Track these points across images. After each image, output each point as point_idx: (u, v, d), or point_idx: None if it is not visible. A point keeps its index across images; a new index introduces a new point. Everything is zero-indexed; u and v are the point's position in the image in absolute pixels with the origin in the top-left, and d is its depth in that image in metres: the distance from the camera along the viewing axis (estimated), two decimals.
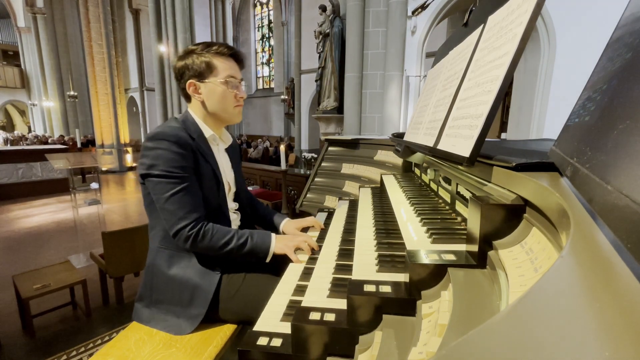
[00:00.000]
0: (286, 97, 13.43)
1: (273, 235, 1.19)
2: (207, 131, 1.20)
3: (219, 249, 1.10)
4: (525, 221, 0.53)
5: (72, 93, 12.73)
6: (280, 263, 1.17)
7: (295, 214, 4.78)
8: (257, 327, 0.76)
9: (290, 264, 1.09)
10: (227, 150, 1.33)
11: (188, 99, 1.20)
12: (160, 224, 1.14)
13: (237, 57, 1.20)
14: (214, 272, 1.13)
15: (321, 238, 1.24)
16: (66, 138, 12.52)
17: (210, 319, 1.13)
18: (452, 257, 0.58)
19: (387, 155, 2.03)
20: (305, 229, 1.41)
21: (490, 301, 0.44)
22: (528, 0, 0.62)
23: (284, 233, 1.43)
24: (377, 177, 1.82)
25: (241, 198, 1.38)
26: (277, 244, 1.17)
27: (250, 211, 1.47)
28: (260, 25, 17.27)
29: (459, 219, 0.85)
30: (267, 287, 1.13)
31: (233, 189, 1.33)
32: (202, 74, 1.14)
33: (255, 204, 1.53)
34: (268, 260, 1.17)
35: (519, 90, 4.44)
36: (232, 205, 1.31)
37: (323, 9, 5.34)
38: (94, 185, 4.53)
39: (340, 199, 1.75)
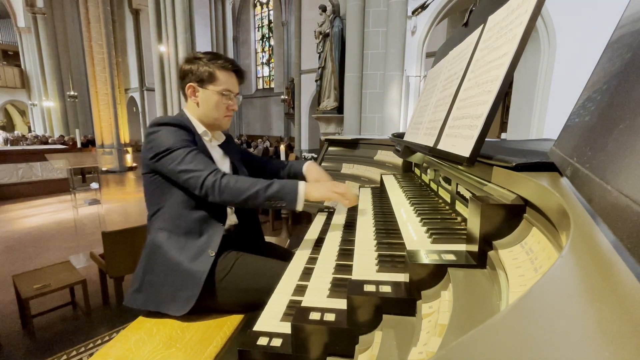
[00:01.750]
0: (286, 97, 13.44)
1: (301, 182, 1.17)
2: (200, 127, 1.28)
3: (246, 190, 1.11)
4: (525, 221, 0.53)
5: (72, 93, 12.73)
6: (273, 249, 1.17)
7: (295, 214, 4.78)
8: (257, 327, 0.76)
9: (290, 264, 1.09)
10: (220, 145, 1.38)
11: (185, 98, 1.29)
12: (166, 204, 1.18)
13: (238, 73, 1.30)
14: (207, 255, 1.15)
15: (321, 238, 1.24)
16: (66, 138, 12.51)
17: (210, 307, 1.15)
18: (452, 257, 0.58)
19: (387, 155, 2.03)
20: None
21: (490, 301, 0.44)
22: (528, 0, 0.62)
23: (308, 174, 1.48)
24: (377, 177, 1.82)
25: None
26: (317, 189, 1.16)
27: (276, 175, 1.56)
28: (260, 25, 17.27)
29: (459, 219, 0.85)
30: (262, 267, 1.19)
31: None
32: (203, 80, 1.23)
33: (279, 166, 1.59)
34: (299, 207, 1.14)
35: (519, 90, 4.44)
36: None
37: (323, 9, 5.34)
38: (94, 185, 4.54)
39: None
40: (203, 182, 1.10)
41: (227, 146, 1.42)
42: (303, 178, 1.50)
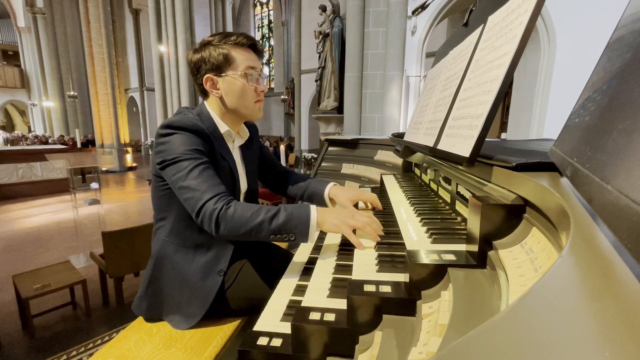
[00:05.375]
0: (286, 97, 13.46)
1: (312, 206, 0.99)
2: (223, 127, 1.14)
3: (245, 223, 0.92)
4: (525, 221, 0.53)
5: (72, 93, 12.74)
6: (273, 250, 1.12)
7: None
8: (257, 327, 0.76)
9: (290, 264, 1.09)
10: (241, 147, 1.25)
11: (205, 95, 1.14)
12: (171, 215, 1.11)
13: (255, 47, 1.12)
14: (215, 275, 1.12)
15: (321, 237, 1.24)
16: (66, 138, 12.52)
17: (212, 314, 1.14)
18: (452, 257, 0.58)
19: (387, 155, 2.03)
20: (355, 206, 1.25)
21: (490, 301, 0.44)
22: (528, 0, 0.62)
23: (331, 201, 1.29)
24: (377, 177, 1.82)
25: (253, 198, 1.32)
26: (329, 219, 0.96)
27: (287, 187, 1.40)
28: (260, 25, 17.29)
29: (459, 219, 0.85)
30: (265, 273, 1.15)
31: (244, 188, 1.24)
32: (220, 67, 1.06)
33: (292, 177, 1.42)
34: (310, 240, 0.97)
35: (519, 90, 4.44)
36: None
37: (323, 9, 5.34)
38: (94, 185, 4.54)
39: None
40: (201, 207, 0.94)
41: (248, 147, 1.27)
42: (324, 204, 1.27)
